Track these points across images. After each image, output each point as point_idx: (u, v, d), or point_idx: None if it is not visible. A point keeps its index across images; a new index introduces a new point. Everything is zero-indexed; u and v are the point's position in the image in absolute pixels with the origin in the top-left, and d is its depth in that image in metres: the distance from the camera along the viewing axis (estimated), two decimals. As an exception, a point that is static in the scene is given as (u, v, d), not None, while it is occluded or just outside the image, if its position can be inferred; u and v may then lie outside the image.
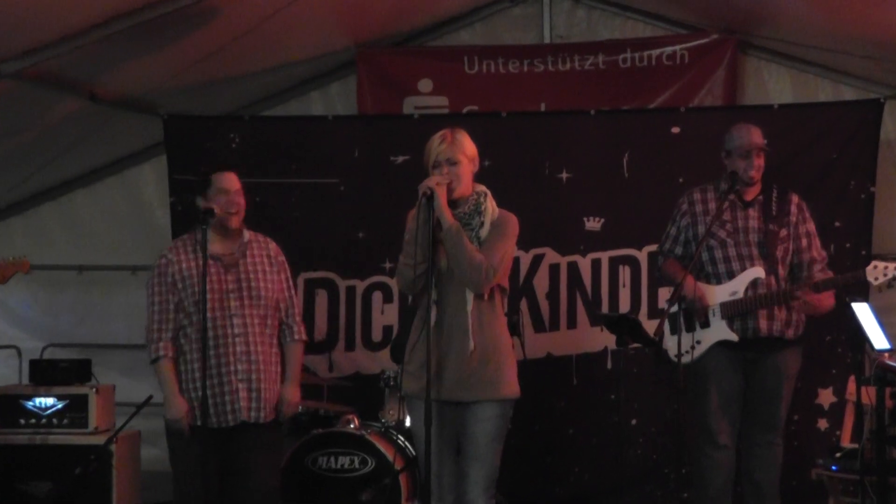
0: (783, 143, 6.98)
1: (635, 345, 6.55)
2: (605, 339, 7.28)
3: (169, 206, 7.79)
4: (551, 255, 7.45)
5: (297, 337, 5.68)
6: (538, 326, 7.45)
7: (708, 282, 6.03)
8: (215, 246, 5.54)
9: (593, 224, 7.42)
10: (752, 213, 6.05)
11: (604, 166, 7.43)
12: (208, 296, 5.38)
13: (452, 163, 4.99)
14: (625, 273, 7.37)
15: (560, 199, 7.45)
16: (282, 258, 5.71)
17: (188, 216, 7.35)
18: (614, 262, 7.39)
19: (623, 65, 7.86)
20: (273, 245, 5.72)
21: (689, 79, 7.79)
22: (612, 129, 7.48)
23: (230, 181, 5.55)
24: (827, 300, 5.94)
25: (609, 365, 7.36)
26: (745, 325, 5.93)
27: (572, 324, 7.43)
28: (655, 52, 7.82)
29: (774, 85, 7.89)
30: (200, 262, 5.40)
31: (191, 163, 7.64)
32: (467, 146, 5.05)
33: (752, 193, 6.09)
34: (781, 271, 5.99)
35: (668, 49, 7.82)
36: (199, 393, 5.36)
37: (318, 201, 7.64)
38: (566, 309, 7.44)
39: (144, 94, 7.40)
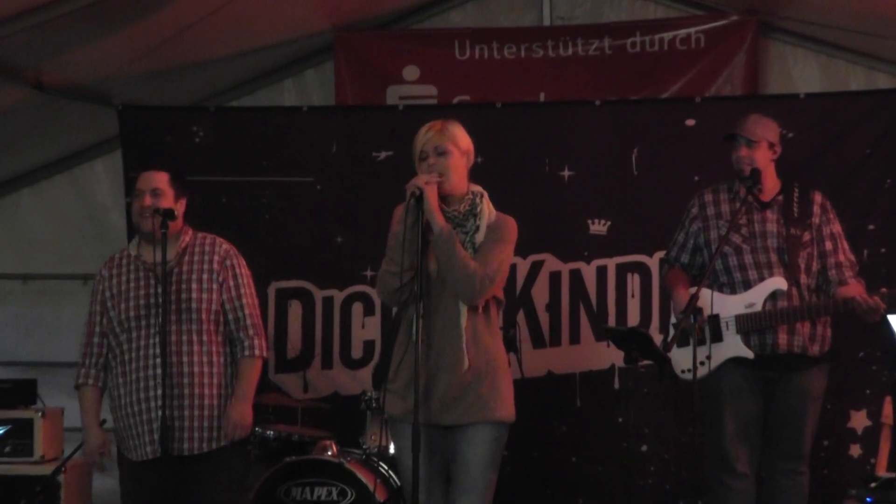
0: (810, 136, 6.99)
1: (646, 362, 6.54)
2: (611, 356, 7.28)
3: (124, 208, 7.77)
4: (552, 262, 7.46)
5: (247, 353, 5.60)
6: (537, 342, 7.45)
7: (721, 291, 6.02)
8: (146, 255, 5.56)
9: (598, 227, 7.43)
10: (770, 215, 6.03)
11: (610, 163, 7.44)
12: (132, 313, 5.47)
13: (440, 152, 4.96)
14: (634, 282, 7.38)
15: (561, 199, 7.46)
16: (234, 261, 5.65)
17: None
18: (622, 270, 7.40)
19: (631, 50, 7.88)
20: (224, 247, 5.67)
21: (705, 65, 7.80)
22: (620, 121, 7.49)
23: (145, 180, 5.58)
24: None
25: (616, 384, 7.36)
26: (763, 340, 5.92)
27: (575, 339, 7.44)
28: (668, 36, 7.83)
29: (800, 72, 7.91)
30: (135, 276, 5.50)
31: (149, 159, 7.54)
32: (460, 137, 5.03)
33: (769, 193, 6.06)
34: (804, 280, 5.96)
35: (682, 32, 7.83)
36: (139, 418, 5.41)
37: (292, 202, 7.64)
38: (568, 322, 7.45)
39: (97, 81, 7.39)
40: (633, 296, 7.38)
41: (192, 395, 5.45)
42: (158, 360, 5.39)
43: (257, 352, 5.63)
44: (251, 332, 5.63)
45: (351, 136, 7.65)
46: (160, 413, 5.34)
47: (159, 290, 5.46)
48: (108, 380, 5.58)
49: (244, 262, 5.73)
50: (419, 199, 4.88)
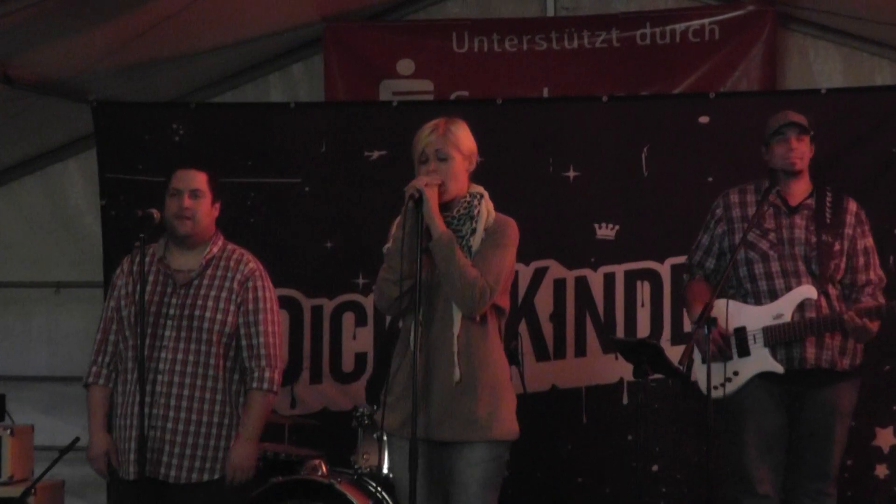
0: (831, 135, 6.98)
1: (656, 376, 6.55)
2: (620, 369, 7.27)
3: (100, 211, 7.78)
4: (556, 269, 7.46)
5: (256, 385, 5.48)
6: (541, 354, 7.46)
7: (745, 301, 6.01)
8: (175, 259, 5.51)
9: (606, 231, 7.43)
10: (799, 220, 5.99)
11: (618, 163, 7.45)
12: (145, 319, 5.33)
13: (441, 158, 4.96)
14: (644, 290, 7.38)
15: (566, 202, 7.47)
16: (258, 283, 5.54)
17: (123, 222, 7.39)
18: (631, 277, 7.40)
19: (641, 42, 7.88)
20: (250, 266, 5.56)
21: (719, 59, 7.81)
22: (629, 118, 7.50)
23: (183, 178, 5.50)
24: (874, 324, 5.91)
25: (625, 400, 7.36)
26: (791, 353, 5.88)
27: (581, 351, 7.44)
28: (680, 28, 7.84)
29: (822, 66, 7.91)
30: (153, 280, 5.42)
31: (125, 158, 7.65)
32: (463, 140, 5.02)
33: (798, 196, 6.03)
34: (833, 290, 5.93)
35: (695, 23, 7.83)
36: (127, 433, 5.35)
37: (278, 204, 7.65)
38: (574, 333, 7.45)
39: (71, 76, 7.39)
40: (642, 305, 7.38)
41: (187, 419, 5.35)
42: (160, 377, 5.33)
43: (267, 385, 5.49)
44: (264, 363, 5.50)
45: (341, 134, 7.66)
46: (149, 434, 5.26)
47: (176, 300, 5.42)
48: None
49: (270, 285, 5.62)
50: (418, 202, 4.88)
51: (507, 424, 5.00)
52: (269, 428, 7.08)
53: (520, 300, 7.43)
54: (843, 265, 5.97)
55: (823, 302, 5.89)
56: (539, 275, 7.47)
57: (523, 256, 7.21)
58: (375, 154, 7.56)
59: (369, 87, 8.09)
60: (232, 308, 5.48)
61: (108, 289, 5.70)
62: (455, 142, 4.99)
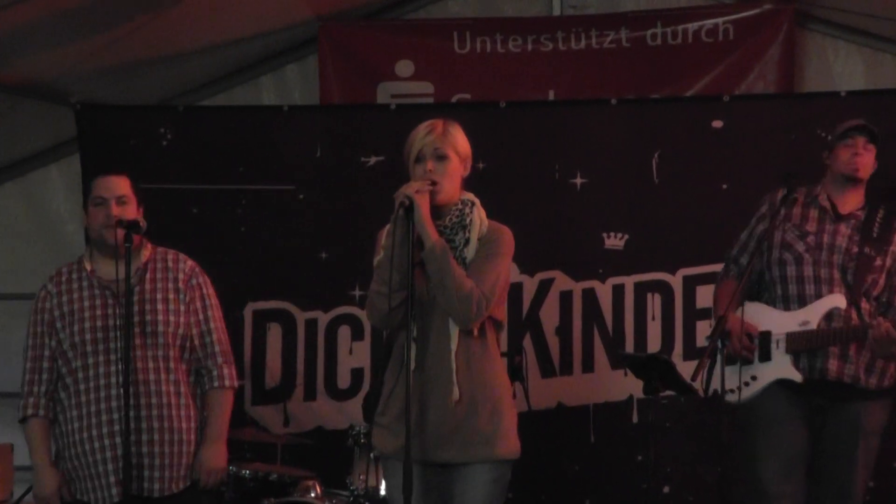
0: (853, 139, 6.99)
1: (668, 392, 6.55)
2: (629, 386, 7.28)
3: (83, 219, 7.74)
4: (562, 281, 7.47)
5: (217, 384, 5.57)
6: (546, 370, 7.46)
7: (773, 305, 5.99)
8: (103, 271, 5.52)
9: (614, 241, 7.43)
10: (844, 228, 5.95)
11: (628, 169, 7.46)
12: (88, 336, 5.39)
13: (440, 157, 4.94)
14: (654, 303, 7.38)
15: (573, 210, 7.47)
16: (201, 279, 5.62)
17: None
18: (641, 290, 7.40)
19: (652, 42, 7.89)
20: (189, 263, 5.64)
21: (734, 60, 7.82)
22: (639, 123, 7.51)
23: (106, 186, 5.50)
24: None
25: (635, 418, 7.36)
26: (813, 363, 5.86)
27: (588, 366, 7.44)
28: (692, 27, 7.85)
29: (842, 67, 7.91)
30: (90, 294, 5.45)
31: (110, 164, 7.57)
32: (460, 142, 5.02)
33: (850, 205, 5.99)
34: (866, 305, 5.88)
35: (709, 22, 7.84)
36: (99, 455, 5.35)
37: (271, 212, 7.65)
38: (581, 348, 7.45)
39: (53, 78, 7.40)
40: (653, 318, 7.38)
41: (161, 428, 5.39)
42: (122, 390, 5.31)
43: (227, 382, 5.59)
44: (220, 360, 5.59)
45: (337, 138, 7.67)
46: (114, 454, 5.30)
47: (119, 310, 5.42)
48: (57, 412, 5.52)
49: (210, 281, 5.70)
50: (409, 209, 4.87)
51: (509, 443, 4.98)
52: (261, 447, 7.10)
53: (524, 313, 7.43)
54: (882, 281, 5.93)
55: (854, 314, 5.85)
56: (544, 287, 7.47)
57: (528, 267, 7.26)
58: (373, 160, 7.56)
59: (366, 90, 8.09)
60: (182, 308, 5.53)
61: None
62: (453, 143, 4.98)
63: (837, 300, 5.85)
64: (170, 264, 5.60)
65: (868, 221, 5.97)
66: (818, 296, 5.88)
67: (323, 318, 7.64)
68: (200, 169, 7.61)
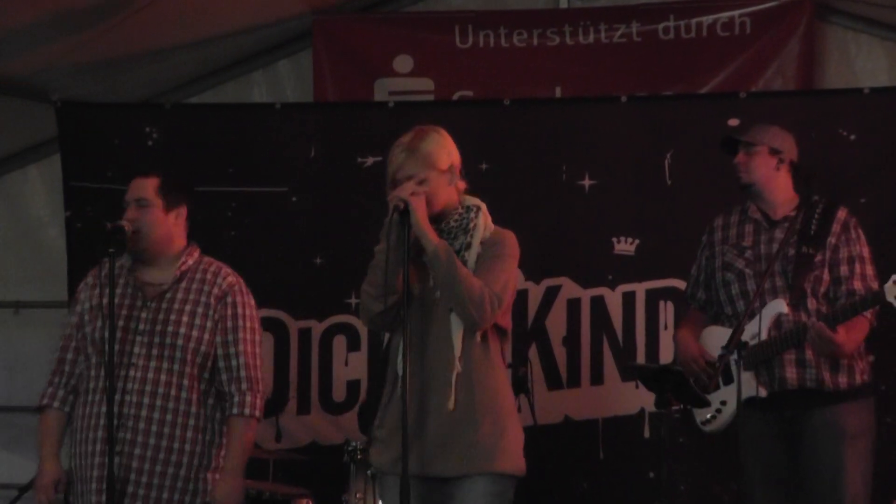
0: (875, 139, 7.00)
1: (681, 406, 6.56)
2: (641, 399, 7.29)
3: (64, 223, 7.78)
4: (570, 288, 7.47)
5: (237, 410, 5.45)
6: (552, 382, 7.46)
7: (727, 325, 6.03)
8: (144, 274, 5.51)
9: (625, 246, 7.44)
10: (779, 234, 6.01)
11: (639, 170, 7.48)
12: (107, 334, 5.30)
13: (418, 181, 4.94)
14: (667, 311, 7.39)
15: (581, 213, 7.49)
16: (237, 299, 5.53)
17: (90, 236, 7.39)
18: (653, 297, 7.42)
19: (664, 36, 7.89)
20: (229, 280, 5.55)
21: (751, 55, 7.82)
22: (650, 121, 7.53)
23: (131, 187, 5.51)
24: (854, 336, 5.88)
25: (646, 433, 7.37)
26: (773, 374, 5.91)
27: (597, 378, 7.45)
28: (707, 20, 7.85)
29: (864, 62, 7.91)
30: (122, 292, 5.41)
31: (93, 165, 7.65)
32: (438, 156, 4.98)
33: (781, 210, 6.07)
34: (813, 305, 5.92)
35: (724, 15, 7.84)
36: (89, 460, 5.32)
37: (262, 216, 7.67)
38: (589, 359, 7.46)
39: (32, 74, 7.41)
40: (665, 327, 7.39)
41: (156, 446, 5.33)
42: (127, 398, 5.30)
43: (248, 410, 5.46)
44: (244, 386, 5.47)
45: (332, 138, 7.69)
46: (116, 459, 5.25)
47: (144, 315, 5.41)
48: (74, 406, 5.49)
49: (252, 302, 5.60)
50: (404, 213, 4.87)
51: (512, 457, 4.99)
52: (253, 463, 7.08)
53: (530, 322, 7.44)
54: (825, 276, 5.98)
55: (802, 317, 5.89)
56: (551, 294, 7.47)
57: (534, 274, 7.27)
58: (370, 160, 7.57)
59: (363, 87, 8.10)
60: (208, 325, 5.46)
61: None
62: (427, 162, 4.97)
63: (778, 305, 5.91)
64: (208, 276, 5.54)
65: (805, 220, 6.03)
66: (764, 306, 5.92)
67: (317, 328, 7.64)
68: (188, 170, 7.59)
